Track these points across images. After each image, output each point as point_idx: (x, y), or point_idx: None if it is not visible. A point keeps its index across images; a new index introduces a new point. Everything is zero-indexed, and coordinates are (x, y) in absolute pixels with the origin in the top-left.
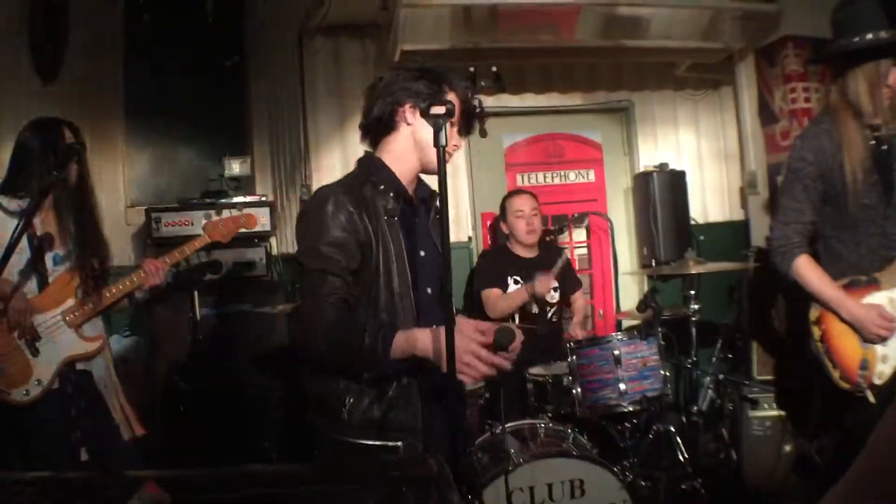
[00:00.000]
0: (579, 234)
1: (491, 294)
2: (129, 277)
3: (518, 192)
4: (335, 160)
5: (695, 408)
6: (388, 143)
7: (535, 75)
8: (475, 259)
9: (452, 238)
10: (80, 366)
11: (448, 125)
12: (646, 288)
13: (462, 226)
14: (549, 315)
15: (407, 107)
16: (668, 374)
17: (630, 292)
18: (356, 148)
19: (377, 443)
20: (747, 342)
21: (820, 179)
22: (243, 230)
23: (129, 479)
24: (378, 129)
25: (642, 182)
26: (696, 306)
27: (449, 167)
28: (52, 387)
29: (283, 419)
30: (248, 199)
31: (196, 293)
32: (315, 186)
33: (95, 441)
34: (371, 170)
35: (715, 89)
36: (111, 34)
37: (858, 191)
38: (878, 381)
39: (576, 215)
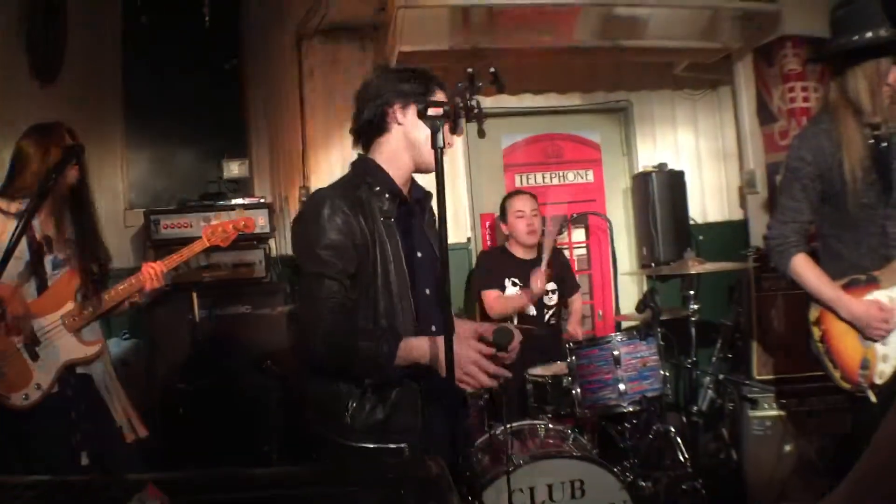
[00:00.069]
0: (578, 235)
1: (490, 295)
2: (129, 281)
3: (518, 192)
4: (334, 162)
5: (695, 408)
6: (381, 144)
7: (534, 76)
8: (474, 260)
9: (451, 239)
10: (79, 369)
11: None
12: (645, 288)
13: (461, 226)
14: (548, 317)
15: (397, 107)
16: (667, 374)
17: (629, 292)
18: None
19: (381, 445)
20: (747, 342)
21: (818, 179)
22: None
23: (128, 481)
24: (370, 131)
25: (641, 182)
26: (696, 306)
27: (447, 168)
28: (51, 391)
29: (282, 421)
30: (247, 201)
31: (195, 295)
32: (314, 188)
33: (96, 444)
34: (366, 172)
35: (713, 89)
36: (110, 36)
37: (858, 190)
38: (878, 381)
39: (574, 216)
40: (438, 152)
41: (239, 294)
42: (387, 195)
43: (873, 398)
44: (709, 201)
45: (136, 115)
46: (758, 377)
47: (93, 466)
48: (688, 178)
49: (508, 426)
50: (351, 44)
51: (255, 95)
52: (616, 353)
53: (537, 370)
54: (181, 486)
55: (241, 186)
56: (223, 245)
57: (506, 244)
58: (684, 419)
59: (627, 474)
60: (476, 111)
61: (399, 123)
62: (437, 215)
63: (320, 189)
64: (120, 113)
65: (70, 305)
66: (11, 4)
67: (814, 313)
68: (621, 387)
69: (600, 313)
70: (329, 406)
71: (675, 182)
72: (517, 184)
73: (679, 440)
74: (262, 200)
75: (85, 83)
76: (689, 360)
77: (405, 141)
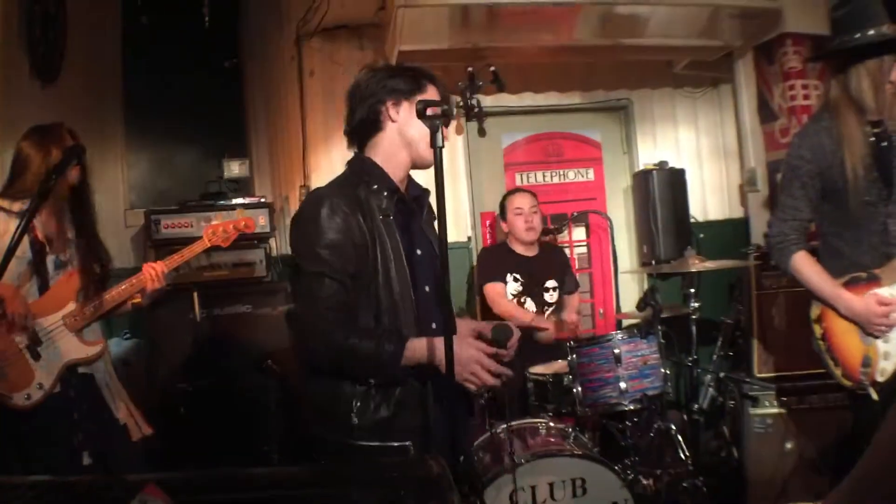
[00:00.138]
0: (579, 233)
1: (494, 288)
2: (130, 281)
3: (518, 190)
4: (334, 161)
5: (696, 406)
6: (376, 143)
7: (534, 74)
8: (475, 258)
9: (451, 237)
10: (81, 369)
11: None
12: (646, 286)
13: (461, 225)
14: (548, 315)
15: (389, 104)
16: (668, 372)
17: (630, 291)
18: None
19: (385, 444)
20: (748, 340)
21: (818, 177)
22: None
23: (129, 482)
24: (364, 131)
25: (642, 180)
26: (697, 304)
27: (447, 167)
28: (53, 390)
29: (283, 421)
30: (248, 200)
31: (196, 295)
32: (314, 187)
33: (98, 444)
34: (363, 170)
35: (714, 87)
36: (110, 37)
37: (859, 188)
38: (880, 379)
39: (575, 214)
40: (438, 152)
41: (239, 294)
42: (385, 193)
43: (875, 396)
44: (709, 199)
45: (136, 115)
46: (759, 375)
47: (94, 466)
48: (688, 176)
49: (509, 424)
50: (350, 43)
51: (255, 95)
52: (617, 351)
53: (538, 368)
54: (182, 486)
55: (242, 186)
56: (224, 245)
57: (507, 241)
58: (685, 417)
59: (628, 472)
60: (476, 110)
61: (393, 121)
62: (437, 214)
63: (318, 188)
64: (120, 113)
65: (72, 306)
66: (11, 5)
67: (815, 311)
68: (622, 385)
69: (601, 311)
70: (331, 405)
71: (675, 180)
72: (518, 182)
73: (680, 438)
74: (262, 200)
75: (85, 83)
76: (690, 358)
77: (400, 138)
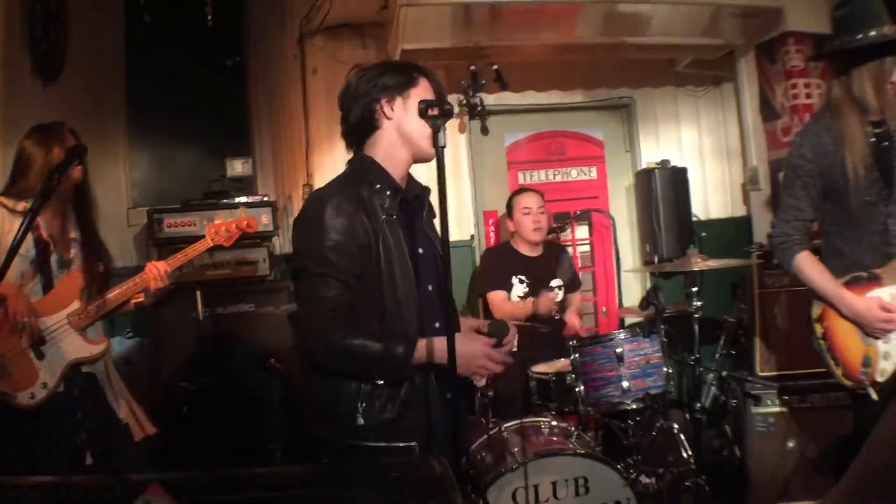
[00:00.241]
0: (581, 232)
1: (497, 296)
2: (133, 280)
3: (525, 189)
4: (337, 160)
5: (698, 405)
6: (375, 141)
7: (537, 73)
8: (478, 257)
9: (454, 236)
10: (84, 368)
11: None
12: (648, 285)
13: (464, 224)
14: (553, 314)
15: (383, 102)
16: (670, 371)
17: (632, 289)
18: None
19: (390, 444)
20: (750, 339)
21: (819, 177)
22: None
23: (132, 482)
24: (361, 132)
25: (644, 179)
26: (699, 303)
27: (450, 166)
28: (57, 389)
29: (286, 419)
30: (250, 199)
31: (199, 293)
32: (317, 186)
33: (101, 443)
34: (365, 170)
35: (716, 86)
36: (112, 35)
37: (860, 187)
38: (880, 379)
39: (578, 213)
40: (440, 151)
41: (242, 292)
42: (388, 193)
43: (875, 396)
44: (712, 198)
45: (138, 113)
46: (761, 374)
47: (97, 466)
48: (691, 175)
49: (518, 422)
50: (353, 42)
51: (257, 94)
52: (619, 350)
53: (541, 367)
54: (185, 487)
55: (245, 185)
56: (226, 244)
57: (510, 241)
58: (687, 416)
59: (631, 471)
60: (479, 108)
61: (389, 118)
62: (439, 212)
63: (320, 189)
64: (123, 112)
65: (76, 304)
66: (14, 3)
67: (816, 310)
68: (624, 384)
69: (604, 310)
70: (334, 406)
71: (678, 179)
72: (520, 181)
73: (682, 437)
74: (265, 199)
75: (87, 82)
76: (693, 357)
77: (398, 134)
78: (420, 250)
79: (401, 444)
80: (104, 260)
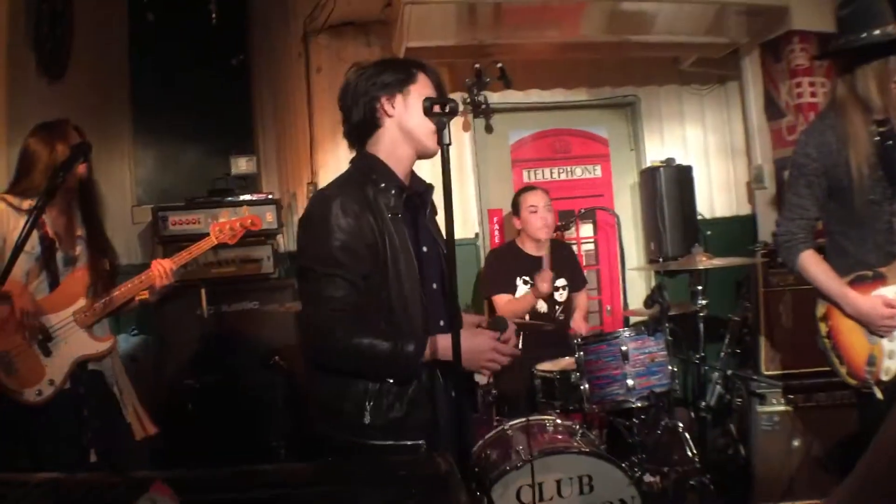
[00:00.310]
0: (586, 230)
1: (501, 299)
2: (139, 278)
3: (531, 187)
4: (341, 157)
5: (703, 403)
6: (377, 140)
7: (541, 71)
8: (482, 255)
9: (459, 234)
10: (91, 366)
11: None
12: (653, 283)
13: (469, 222)
14: (557, 313)
15: (384, 100)
16: (675, 369)
17: (637, 288)
18: None
19: (398, 443)
20: (755, 337)
21: (824, 175)
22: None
23: (136, 479)
24: (363, 131)
25: (649, 177)
26: (704, 301)
27: (454, 164)
28: (63, 386)
29: (291, 417)
30: (255, 197)
31: (203, 291)
32: (321, 184)
33: (106, 441)
34: (369, 168)
35: (721, 84)
36: (117, 34)
37: (864, 186)
38: (885, 378)
39: (582, 211)
40: (445, 149)
41: (247, 290)
42: (393, 191)
43: (879, 395)
44: (716, 196)
45: (143, 112)
46: (766, 372)
47: (101, 463)
48: (695, 174)
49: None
50: (358, 40)
51: (262, 92)
52: (624, 348)
53: (545, 365)
54: (189, 484)
55: (249, 183)
56: (231, 242)
57: (515, 240)
58: (692, 415)
59: (635, 470)
60: (483, 107)
61: (390, 116)
62: (444, 210)
63: (325, 189)
64: (127, 110)
65: (82, 302)
66: (19, 2)
67: (820, 309)
68: (629, 382)
69: (608, 308)
70: (340, 404)
71: (682, 177)
72: (525, 179)
73: (687, 435)
74: (269, 197)
75: (92, 80)
76: (698, 356)
77: (400, 131)
78: (424, 248)
79: (408, 443)
80: (110, 257)
